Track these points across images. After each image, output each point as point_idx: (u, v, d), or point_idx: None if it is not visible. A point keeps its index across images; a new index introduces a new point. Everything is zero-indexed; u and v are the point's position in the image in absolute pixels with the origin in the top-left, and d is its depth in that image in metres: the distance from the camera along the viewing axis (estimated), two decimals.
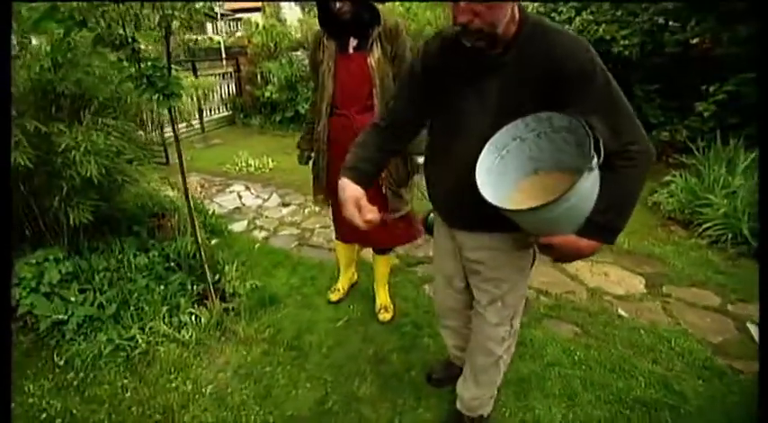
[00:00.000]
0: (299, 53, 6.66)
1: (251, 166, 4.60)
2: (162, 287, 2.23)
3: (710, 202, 2.94)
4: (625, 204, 1.03)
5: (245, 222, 3.34)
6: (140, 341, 1.98)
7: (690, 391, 1.69)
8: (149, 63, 1.68)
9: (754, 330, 2.02)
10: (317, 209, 3.51)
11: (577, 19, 4.43)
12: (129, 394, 1.78)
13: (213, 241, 2.74)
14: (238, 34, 6.57)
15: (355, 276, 2.44)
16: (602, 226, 1.01)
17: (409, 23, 5.56)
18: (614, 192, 0.99)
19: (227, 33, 6.58)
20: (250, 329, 2.10)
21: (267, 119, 6.71)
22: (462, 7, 0.95)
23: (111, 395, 1.77)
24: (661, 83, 4.41)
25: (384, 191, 1.90)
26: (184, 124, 5.66)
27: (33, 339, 2.02)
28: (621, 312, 2.19)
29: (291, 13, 9.08)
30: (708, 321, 2.11)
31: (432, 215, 1.60)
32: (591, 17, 4.35)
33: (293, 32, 7.06)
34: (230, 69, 6.70)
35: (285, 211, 3.55)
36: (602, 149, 0.92)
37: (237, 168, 4.59)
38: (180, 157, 1.93)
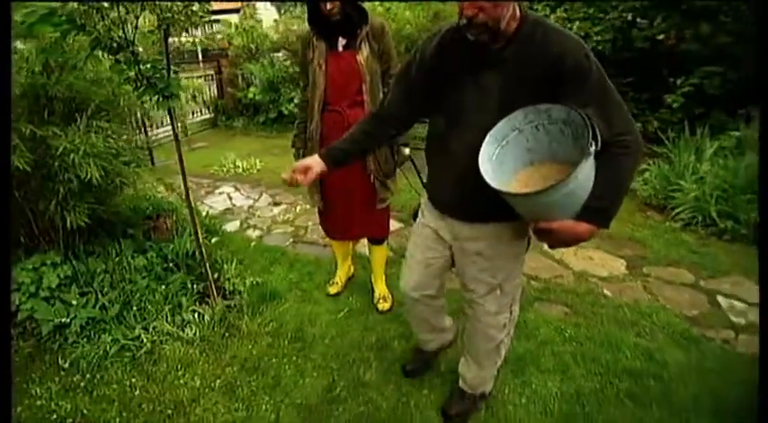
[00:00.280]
0: (280, 54, 6.67)
1: (239, 167, 4.61)
2: (163, 287, 2.25)
3: (682, 187, 3.13)
4: (619, 190, 1.08)
5: (238, 222, 3.37)
6: (145, 341, 2.01)
7: (670, 360, 1.84)
8: (149, 65, 1.72)
9: (723, 302, 2.22)
10: (307, 207, 3.57)
11: (552, 16, 4.61)
12: (138, 392, 1.80)
13: (213, 240, 2.76)
14: (219, 36, 6.50)
15: (352, 269, 2.51)
16: (599, 211, 1.06)
17: (389, 23, 5.64)
18: (609, 178, 1.05)
19: (205, 36, 6.51)
20: (253, 324, 2.15)
21: (250, 120, 6.69)
22: (467, 4, 1.01)
23: (121, 394, 1.79)
24: (633, 77, 4.63)
25: (372, 181, 1.98)
26: (167, 127, 5.59)
27: (35, 344, 2.02)
28: (606, 292, 2.34)
29: (267, 14, 9.03)
30: (683, 297, 2.28)
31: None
32: (565, 14, 4.53)
33: (272, 33, 7.06)
34: (211, 71, 6.65)
35: (276, 210, 3.59)
36: (599, 138, 0.99)
37: (225, 170, 4.59)
38: (180, 157, 1.97)
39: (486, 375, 1.58)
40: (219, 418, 1.67)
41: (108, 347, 1.95)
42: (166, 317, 2.13)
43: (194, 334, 2.07)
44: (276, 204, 3.69)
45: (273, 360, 1.94)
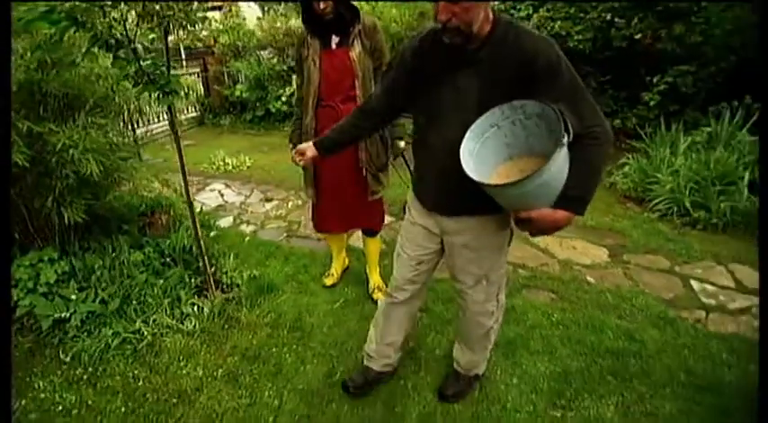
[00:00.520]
0: (266, 52, 6.66)
1: (228, 164, 4.61)
2: (161, 281, 2.28)
3: (658, 180, 3.29)
4: (592, 179, 1.15)
5: (231, 218, 3.40)
6: (146, 333, 2.04)
7: (649, 340, 1.97)
8: (149, 61, 1.75)
9: (696, 286, 2.40)
10: (299, 203, 3.62)
11: (535, 16, 4.74)
12: (141, 383, 1.84)
13: (212, 234, 2.79)
14: (204, 33, 6.45)
15: (346, 261, 2.59)
16: (574, 199, 1.13)
17: None
18: (582, 168, 1.12)
19: (191, 33, 6.44)
20: (252, 316, 2.20)
21: (237, 118, 6.68)
22: (442, 7, 1.08)
23: (124, 385, 1.83)
24: (612, 75, 4.81)
25: (365, 174, 2.06)
26: (152, 126, 5.55)
27: (34, 339, 2.04)
28: (589, 279, 2.47)
29: (250, 12, 8.96)
30: (660, 281, 2.43)
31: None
32: (548, 14, 4.67)
33: (257, 31, 7.04)
34: (197, 69, 6.60)
35: (269, 205, 3.63)
36: (570, 130, 1.07)
37: (215, 167, 4.60)
38: (180, 152, 2.01)
39: (478, 359, 1.68)
40: (224, 405, 1.73)
41: (109, 341, 1.98)
42: (166, 310, 2.16)
43: (194, 326, 2.11)
44: (268, 200, 3.73)
45: (274, 349, 2.00)
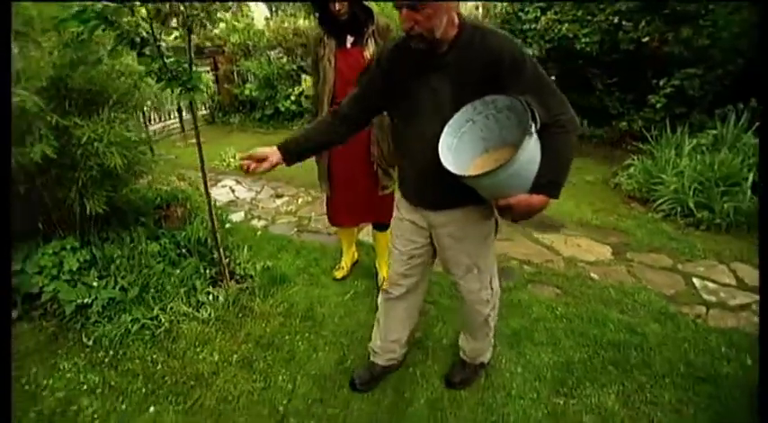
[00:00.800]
0: (275, 52, 6.76)
1: (239, 161, 4.70)
2: (177, 271, 2.37)
3: (663, 180, 3.34)
4: (563, 163, 1.23)
5: (242, 213, 3.49)
6: (163, 320, 2.13)
7: (650, 333, 2.03)
8: (173, 59, 1.84)
9: (698, 283, 2.45)
10: (309, 199, 3.70)
11: (543, 18, 4.79)
12: (160, 366, 1.92)
13: (227, 226, 2.87)
14: (215, 32, 6.55)
15: (356, 255, 2.66)
16: (547, 183, 1.20)
17: None
18: (552, 154, 1.20)
19: (202, 32, 6.54)
20: (265, 305, 2.28)
21: (247, 117, 6.77)
22: (405, 15, 1.14)
23: (144, 368, 1.91)
24: (619, 77, 4.85)
25: (375, 169, 2.13)
26: (167, 122, 5.66)
27: (57, 324, 2.12)
28: (593, 275, 2.53)
29: (258, 12, 9.06)
30: (663, 278, 2.48)
31: None
32: (555, 17, 4.73)
33: (266, 31, 7.13)
34: (206, 68, 6.71)
35: (279, 201, 3.71)
36: (537, 120, 1.15)
37: (225, 164, 4.69)
38: (199, 146, 2.09)
39: (482, 346, 1.74)
40: (240, 388, 1.80)
41: (129, 326, 2.07)
42: (182, 299, 2.25)
43: (209, 314, 2.19)
44: (278, 196, 3.82)
45: (287, 337, 2.07)
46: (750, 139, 3.50)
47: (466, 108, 1.23)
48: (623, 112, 4.85)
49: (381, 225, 2.37)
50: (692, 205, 3.10)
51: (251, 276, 2.46)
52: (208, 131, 6.54)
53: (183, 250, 2.55)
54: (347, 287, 2.45)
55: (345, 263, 2.56)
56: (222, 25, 7.08)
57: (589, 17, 4.67)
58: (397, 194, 1.59)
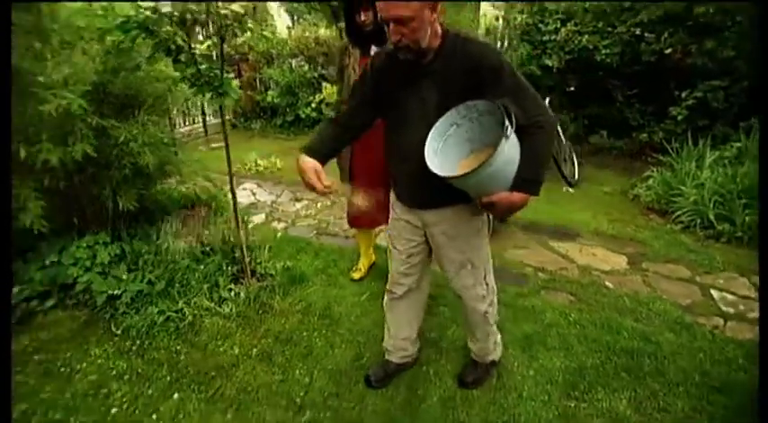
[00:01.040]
0: (297, 60, 6.94)
1: (260, 165, 4.84)
2: (201, 267, 2.47)
3: (682, 192, 3.32)
4: (540, 162, 1.32)
5: (263, 215, 3.59)
6: (187, 314, 2.22)
7: (664, 342, 2.03)
8: (206, 65, 1.96)
9: (716, 294, 2.41)
10: (328, 203, 3.79)
11: (563, 30, 4.83)
12: (183, 357, 2.01)
13: (249, 226, 2.98)
14: (240, 40, 6.77)
15: (373, 258, 2.72)
16: (527, 181, 1.28)
17: None
18: (530, 154, 1.28)
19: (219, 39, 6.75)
20: (284, 303, 2.36)
21: (268, 123, 6.94)
22: (392, 29, 1.24)
23: (169, 358, 2.00)
24: (640, 88, 4.83)
25: None
26: (192, 126, 5.86)
27: (89, 313, 2.24)
28: (608, 284, 2.53)
29: (280, 21, 9.30)
30: (679, 289, 2.47)
31: None
32: (575, 28, 4.75)
33: (288, 40, 7.33)
34: (231, 75, 6.92)
35: (299, 205, 3.81)
36: (513, 121, 1.21)
37: (247, 168, 4.83)
38: (227, 147, 2.21)
39: (487, 346, 1.78)
40: (259, 380, 1.88)
41: (155, 318, 2.17)
42: (205, 294, 2.35)
43: (231, 310, 2.28)
44: (298, 200, 3.92)
45: (305, 333, 2.14)
46: None
47: (450, 112, 1.32)
48: (644, 123, 4.82)
49: None
50: (712, 217, 3.07)
51: (271, 275, 2.55)
52: (230, 136, 6.67)
53: (207, 248, 2.66)
54: (364, 288, 2.51)
55: (363, 265, 2.63)
56: (248, 34, 7.32)
57: (609, 29, 4.68)
58: (392, 196, 1.67)
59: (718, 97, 4.14)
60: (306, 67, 6.73)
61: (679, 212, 3.24)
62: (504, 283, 2.49)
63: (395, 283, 1.74)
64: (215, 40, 2.00)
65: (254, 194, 4.11)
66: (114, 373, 1.90)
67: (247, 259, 2.53)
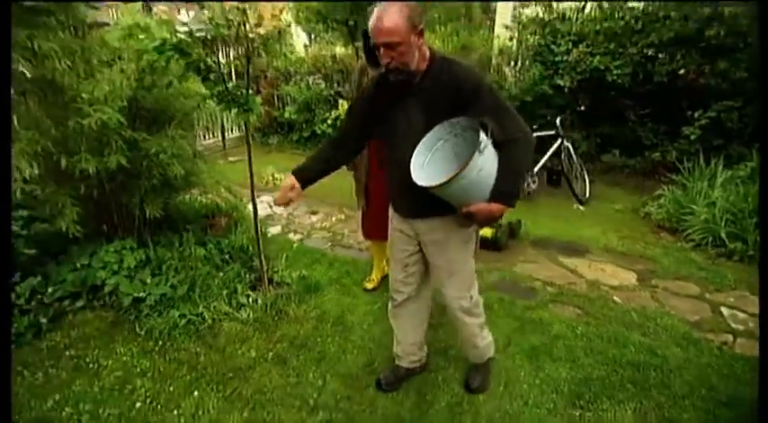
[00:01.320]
0: (315, 77, 7.18)
1: (277, 179, 5.00)
2: (221, 274, 2.59)
3: (693, 210, 3.33)
4: (517, 175, 1.43)
5: (280, 227, 3.72)
6: (207, 317, 2.33)
7: (671, 356, 2.05)
8: (233, 84, 2.11)
9: (726, 312, 2.42)
10: (342, 217, 3.90)
11: (574, 51, 4.93)
12: (202, 358, 2.11)
13: (268, 235, 3.10)
14: (261, 58, 7.05)
15: (386, 269, 2.80)
16: (503, 193, 1.39)
17: None
18: (507, 167, 1.39)
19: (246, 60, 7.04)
20: (300, 310, 2.45)
21: (285, 138, 7.15)
22: (383, 53, 1.36)
23: (189, 358, 2.11)
24: (652, 108, 4.87)
25: None
26: (211, 140, 6.07)
27: (114, 315, 2.37)
28: (616, 299, 2.56)
29: (298, 40, 9.60)
30: (688, 306, 2.49)
31: None
32: (587, 49, 4.85)
33: (306, 58, 7.59)
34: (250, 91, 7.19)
35: (314, 218, 3.93)
36: (489, 136, 1.32)
37: (264, 182, 4.99)
38: (249, 159, 2.34)
39: (480, 352, 1.85)
40: (274, 382, 1.96)
41: (177, 321, 2.28)
42: (224, 299, 2.45)
43: (248, 315, 2.38)
44: (313, 213, 4.04)
45: (318, 339, 2.22)
46: None
47: (436, 128, 1.44)
48: (656, 143, 4.85)
49: None
50: (723, 236, 3.08)
51: (287, 283, 2.65)
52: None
53: (226, 256, 2.77)
54: (376, 298, 2.58)
55: (376, 276, 2.71)
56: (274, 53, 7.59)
57: (621, 50, 4.77)
58: (391, 209, 1.76)
59: (732, 117, 4.17)
60: (322, 85, 6.95)
61: (690, 231, 3.26)
62: (513, 296, 2.55)
63: (395, 291, 1.83)
64: (242, 60, 2.15)
65: (270, 207, 4.24)
66: (138, 370, 2.01)
67: (265, 268, 2.64)
